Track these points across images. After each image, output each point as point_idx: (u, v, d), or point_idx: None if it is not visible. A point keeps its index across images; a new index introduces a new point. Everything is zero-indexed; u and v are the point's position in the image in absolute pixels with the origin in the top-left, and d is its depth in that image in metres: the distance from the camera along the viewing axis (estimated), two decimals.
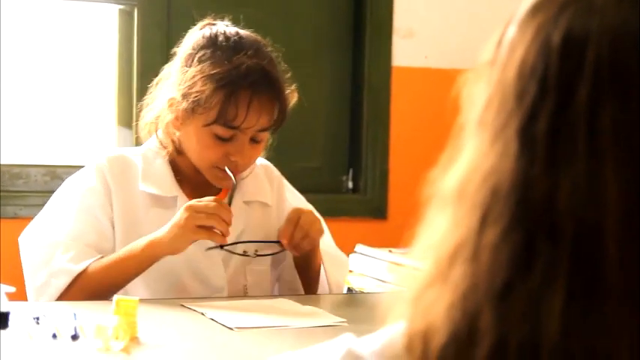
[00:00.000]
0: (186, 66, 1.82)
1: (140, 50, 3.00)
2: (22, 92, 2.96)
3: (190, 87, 1.79)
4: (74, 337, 1.45)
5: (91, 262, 1.79)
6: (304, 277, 1.96)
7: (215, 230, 1.74)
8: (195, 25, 1.96)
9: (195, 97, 1.78)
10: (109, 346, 1.41)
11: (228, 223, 1.74)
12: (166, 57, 2.99)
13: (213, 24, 1.90)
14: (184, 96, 1.80)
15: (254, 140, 1.83)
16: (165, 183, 1.88)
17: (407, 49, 3.30)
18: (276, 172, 2.04)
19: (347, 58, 3.30)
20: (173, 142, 1.88)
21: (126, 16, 3.04)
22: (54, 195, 1.91)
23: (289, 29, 3.20)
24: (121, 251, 1.79)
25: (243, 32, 1.87)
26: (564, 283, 0.63)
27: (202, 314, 1.68)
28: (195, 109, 1.79)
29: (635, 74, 0.65)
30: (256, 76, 1.77)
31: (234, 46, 1.81)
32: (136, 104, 2.99)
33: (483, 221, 0.66)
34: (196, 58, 1.81)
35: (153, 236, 1.76)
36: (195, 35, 1.87)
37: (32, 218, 2.92)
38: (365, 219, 3.23)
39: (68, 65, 3.01)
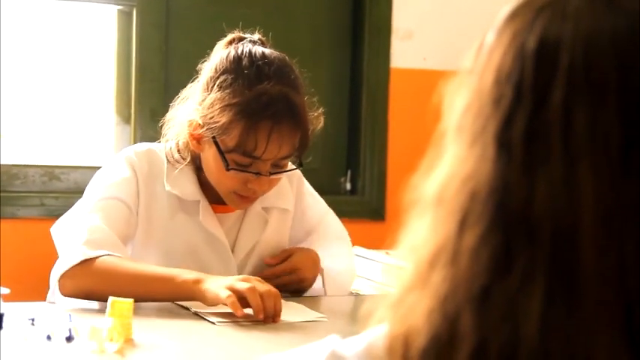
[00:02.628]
0: (208, 90, 1.78)
1: (139, 51, 3.01)
2: (21, 93, 2.96)
3: (210, 114, 1.76)
4: (69, 339, 1.45)
5: (106, 253, 1.73)
6: None
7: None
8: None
9: (215, 123, 1.75)
10: (103, 348, 1.41)
11: (257, 304, 1.62)
12: (165, 58, 3.02)
13: (242, 38, 1.85)
14: (204, 123, 1.77)
15: (275, 166, 1.80)
16: (188, 187, 1.87)
17: (406, 51, 3.30)
18: (295, 171, 1.97)
19: (346, 59, 3.30)
20: (193, 156, 1.87)
21: (125, 17, 3.04)
22: (87, 188, 1.89)
23: (288, 30, 3.20)
24: (146, 269, 1.71)
25: (270, 53, 1.80)
26: (542, 285, 0.64)
27: (186, 308, 1.69)
28: (215, 132, 1.76)
29: (608, 77, 0.66)
30: (278, 107, 1.73)
31: (256, 72, 1.75)
32: (134, 105, 3.01)
33: (462, 225, 0.67)
34: (217, 83, 1.76)
35: (197, 276, 1.68)
36: (220, 55, 1.81)
37: (31, 218, 2.95)
38: (363, 221, 3.23)
39: (67, 66, 3.02)
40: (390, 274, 0.79)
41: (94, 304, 1.72)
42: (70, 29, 3.02)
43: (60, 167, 2.96)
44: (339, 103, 3.31)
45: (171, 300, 1.73)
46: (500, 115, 0.68)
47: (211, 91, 1.77)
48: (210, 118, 1.75)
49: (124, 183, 1.84)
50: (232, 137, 1.75)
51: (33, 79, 2.98)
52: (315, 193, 2.04)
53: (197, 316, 1.68)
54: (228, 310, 1.64)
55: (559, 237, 0.64)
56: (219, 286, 1.63)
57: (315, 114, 1.84)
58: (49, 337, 1.46)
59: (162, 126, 1.90)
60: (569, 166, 0.65)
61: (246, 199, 1.83)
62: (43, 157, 2.98)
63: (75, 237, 1.77)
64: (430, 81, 3.35)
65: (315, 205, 2.02)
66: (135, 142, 2.94)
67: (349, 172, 3.31)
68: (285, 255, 1.89)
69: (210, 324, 1.63)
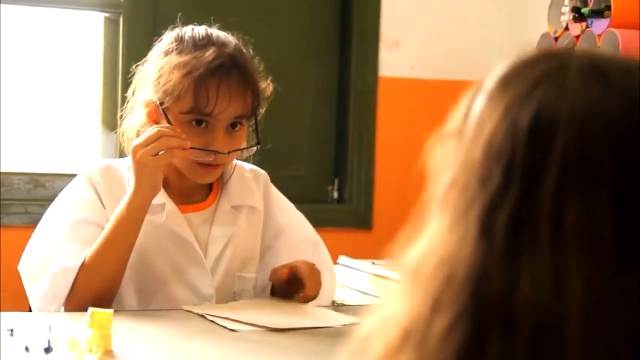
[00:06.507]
0: (154, 67, 1.85)
1: (125, 58, 2.99)
2: (6, 99, 2.94)
3: (159, 78, 1.81)
4: (47, 350, 1.43)
5: (85, 253, 1.77)
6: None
7: (171, 149, 1.75)
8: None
9: (165, 87, 1.79)
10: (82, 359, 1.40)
11: (176, 135, 1.75)
12: None
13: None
14: (156, 89, 1.82)
15: (232, 128, 1.83)
16: None
17: (393, 60, 3.29)
18: (262, 173, 2.02)
19: (333, 68, 3.30)
20: None
21: (111, 24, 3.03)
22: (47, 212, 1.89)
23: (276, 38, 3.19)
24: (107, 226, 1.77)
25: (213, 30, 1.89)
26: None
27: (203, 316, 1.67)
28: (167, 99, 1.80)
29: (603, 165, 0.62)
30: (222, 61, 1.79)
31: (199, 37, 1.84)
32: (121, 112, 2.99)
33: (434, 308, 0.64)
34: (163, 53, 1.84)
35: (129, 194, 1.76)
36: (164, 37, 1.90)
37: (15, 226, 2.93)
38: (350, 229, 3.22)
39: (53, 73, 3.00)
40: (363, 344, 0.73)
41: (75, 314, 1.71)
42: (57, 36, 3.00)
43: (45, 175, 2.95)
44: (326, 112, 3.30)
45: (140, 218, 1.76)
46: (486, 196, 0.64)
47: (159, 62, 1.84)
48: (163, 86, 1.79)
49: (88, 204, 1.84)
50: (185, 99, 1.78)
51: (18, 86, 2.97)
52: (283, 197, 2.04)
53: (181, 326, 1.66)
54: (241, 315, 1.70)
55: (541, 331, 0.61)
56: (135, 171, 1.73)
57: (265, 84, 1.88)
58: (27, 349, 1.44)
59: (121, 117, 1.92)
60: (556, 260, 0.61)
61: (209, 167, 1.83)
62: (28, 164, 2.97)
63: (54, 262, 1.77)
64: (418, 89, 3.38)
65: (284, 207, 2.02)
66: (120, 150, 2.93)
67: (336, 181, 3.30)
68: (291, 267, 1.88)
69: (186, 335, 1.62)
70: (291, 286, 1.87)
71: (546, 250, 0.62)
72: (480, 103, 0.68)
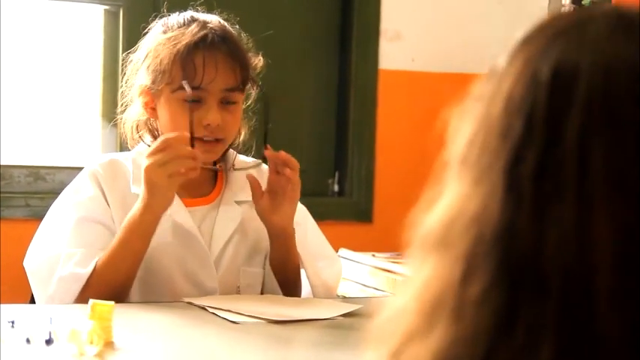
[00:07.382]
0: (144, 48, 1.90)
1: (125, 50, 2.97)
2: (5, 93, 2.94)
3: (147, 59, 1.85)
4: (48, 342, 1.43)
5: (96, 260, 1.77)
6: (281, 278, 1.94)
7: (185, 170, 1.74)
8: None
9: (154, 66, 1.83)
10: (83, 351, 1.40)
11: (192, 156, 1.73)
12: None
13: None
14: (147, 72, 1.85)
15: (226, 102, 1.84)
16: None
17: (394, 52, 3.29)
18: (265, 168, 2.01)
19: (334, 60, 3.29)
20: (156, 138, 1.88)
21: (111, 17, 3.02)
22: (52, 207, 1.89)
23: (276, 31, 3.18)
24: (118, 234, 1.77)
25: (199, 14, 1.92)
26: (552, 340, 0.58)
27: (203, 308, 1.67)
28: (158, 80, 1.82)
29: (629, 110, 0.60)
30: (205, 32, 1.82)
31: (184, 18, 1.88)
32: (121, 105, 2.98)
33: (467, 273, 0.61)
34: (151, 37, 1.89)
35: (141, 203, 1.74)
36: (151, 26, 1.93)
37: (15, 219, 2.92)
38: (350, 222, 3.22)
39: (53, 66, 3.00)
40: (391, 312, 0.70)
41: (76, 306, 1.71)
42: (57, 29, 3.00)
43: (45, 168, 2.94)
44: (327, 105, 3.29)
45: (150, 232, 1.76)
46: (509, 149, 0.62)
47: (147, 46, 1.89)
48: (152, 65, 1.82)
49: (92, 202, 1.84)
50: (173, 74, 1.81)
51: (18, 79, 2.96)
52: None
53: (182, 318, 1.66)
54: (242, 307, 1.69)
55: (570, 287, 0.58)
56: (148, 186, 1.72)
57: (256, 60, 1.91)
58: (28, 340, 1.44)
59: (122, 111, 1.94)
60: (583, 209, 0.59)
61: (209, 144, 1.84)
62: (29, 157, 2.96)
63: (62, 265, 1.77)
64: (418, 82, 3.38)
65: None
66: (121, 143, 2.92)
67: (337, 174, 3.30)
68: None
69: (187, 326, 1.62)
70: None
71: (572, 201, 0.60)
72: (500, 63, 0.67)
